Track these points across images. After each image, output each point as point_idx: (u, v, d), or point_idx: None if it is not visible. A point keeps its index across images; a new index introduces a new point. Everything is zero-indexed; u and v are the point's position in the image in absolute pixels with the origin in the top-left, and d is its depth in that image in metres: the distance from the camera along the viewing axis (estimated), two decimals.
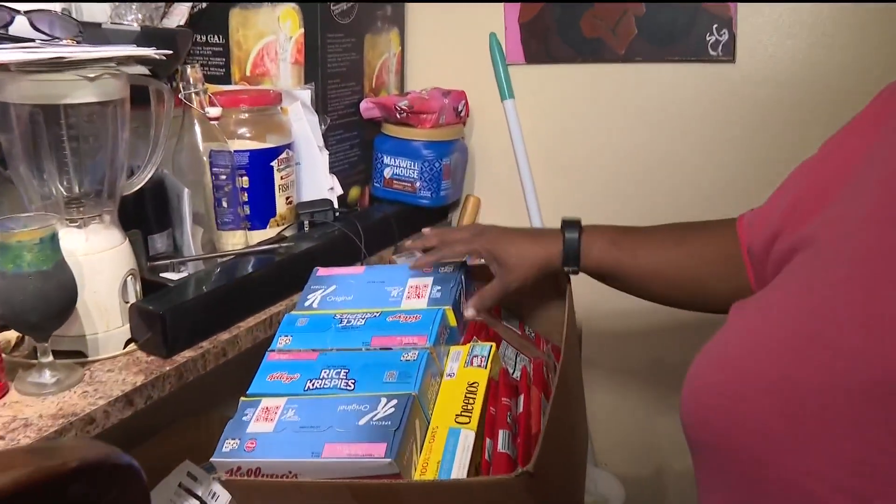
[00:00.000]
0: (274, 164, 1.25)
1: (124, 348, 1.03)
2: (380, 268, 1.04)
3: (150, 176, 1.06)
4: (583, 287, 1.00)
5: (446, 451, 0.78)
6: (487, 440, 0.81)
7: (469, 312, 0.98)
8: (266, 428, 0.82)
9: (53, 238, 0.90)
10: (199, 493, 1.12)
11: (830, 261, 0.62)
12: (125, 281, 1.02)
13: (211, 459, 0.83)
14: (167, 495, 1.12)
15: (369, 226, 1.36)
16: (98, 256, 0.99)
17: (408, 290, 0.96)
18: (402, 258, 1.40)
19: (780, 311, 0.64)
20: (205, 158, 1.19)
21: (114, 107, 0.96)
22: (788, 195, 0.76)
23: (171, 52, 1.00)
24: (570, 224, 0.97)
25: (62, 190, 0.99)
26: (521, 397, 0.86)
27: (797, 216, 0.71)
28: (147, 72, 1.03)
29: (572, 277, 0.98)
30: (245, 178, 1.24)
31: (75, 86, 0.91)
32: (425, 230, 1.13)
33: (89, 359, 1.00)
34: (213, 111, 1.17)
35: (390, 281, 0.98)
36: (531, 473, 0.69)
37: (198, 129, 1.17)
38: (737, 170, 1.39)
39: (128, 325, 1.03)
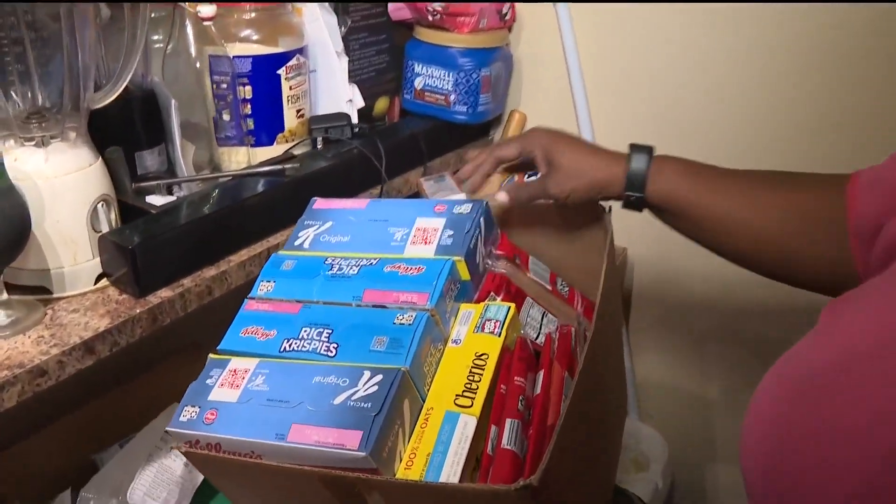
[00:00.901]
0: (281, 71, 1.09)
1: (95, 284, 0.90)
2: (386, 202, 0.88)
3: (122, 86, 0.90)
4: (637, 228, 0.82)
5: (439, 441, 0.64)
6: (493, 427, 0.66)
7: (501, 196, 0.86)
8: (230, 396, 0.69)
9: None
10: None
11: None
12: (95, 208, 0.88)
13: (167, 429, 0.70)
14: (152, 440, 1.01)
15: (394, 144, 1.19)
16: (61, 180, 0.85)
17: (414, 232, 0.80)
18: (432, 182, 1.23)
19: (883, 326, 0.47)
20: (198, 65, 1.03)
21: None
22: None
23: None
24: (640, 148, 0.82)
25: (17, 100, 0.84)
26: (541, 374, 0.71)
27: None
28: None
29: (624, 223, 0.80)
30: (248, 88, 1.08)
31: None
32: (471, 152, 0.99)
33: (54, 296, 0.88)
34: (206, 9, 1.00)
35: (395, 220, 0.82)
36: (535, 487, 0.54)
37: (190, 30, 1.01)
38: (852, 122, 1.15)
39: (99, 259, 0.89)
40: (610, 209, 0.85)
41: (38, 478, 1.04)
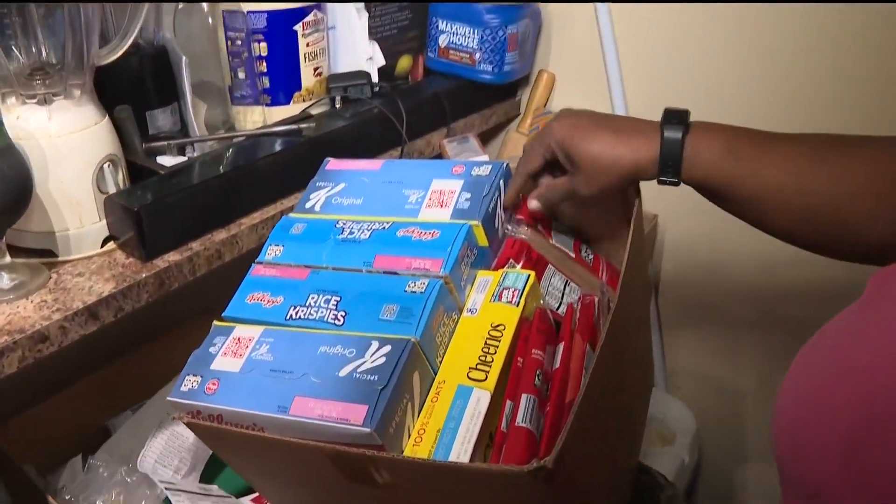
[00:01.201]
0: (298, 27, 1.04)
1: (102, 247, 0.87)
2: (402, 163, 0.83)
3: (128, 43, 0.86)
4: (670, 192, 0.75)
5: (450, 417, 0.60)
6: (508, 402, 0.62)
7: (532, 204, 0.78)
8: (232, 366, 0.66)
9: None
10: None
11: None
12: (101, 168, 0.85)
13: (168, 398, 0.67)
14: (163, 407, 0.98)
15: (415, 104, 1.15)
16: (64, 139, 0.82)
17: (429, 195, 0.75)
18: (455, 143, 1.18)
19: None
20: (211, 21, 0.99)
21: None
22: None
23: None
24: (674, 118, 0.72)
25: (18, 56, 0.81)
26: (561, 347, 0.66)
27: None
28: None
29: (656, 188, 0.74)
30: (263, 45, 1.04)
31: None
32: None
33: (60, 259, 0.85)
34: None
35: (410, 182, 0.77)
36: (550, 470, 0.50)
37: None
38: None
39: (105, 221, 0.86)
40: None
41: (52, 442, 1.02)
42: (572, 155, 0.73)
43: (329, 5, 1.10)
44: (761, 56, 1.15)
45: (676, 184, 0.72)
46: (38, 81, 0.81)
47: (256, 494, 0.96)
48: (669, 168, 0.71)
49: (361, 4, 1.13)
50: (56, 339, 0.76)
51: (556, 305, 0.75)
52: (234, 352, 0.67)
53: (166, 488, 0.92)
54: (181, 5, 0.99)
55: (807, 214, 0.66)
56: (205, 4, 0.98)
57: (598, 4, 1.23)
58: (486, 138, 1.41)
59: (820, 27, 1.09)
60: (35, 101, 0.81)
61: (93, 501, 0.91)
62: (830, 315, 0.56)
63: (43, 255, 0.85)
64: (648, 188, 0.76)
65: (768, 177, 0.67)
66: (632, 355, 0.73)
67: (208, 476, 0.98)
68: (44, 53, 0.82)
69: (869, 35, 1.06)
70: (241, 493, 0.95)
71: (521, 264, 0.74)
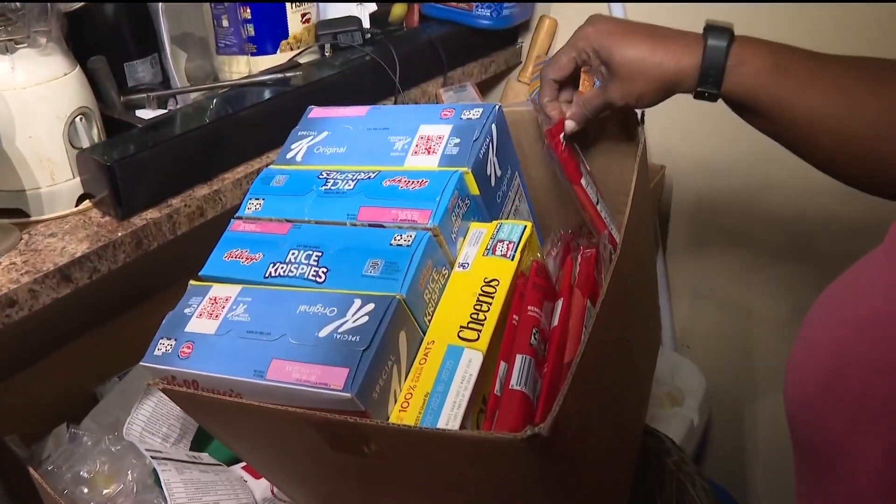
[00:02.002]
0: None
1: (77, 206, 0.82)
2: (389, 109, 0.78)
3: None
4: (677, 145, 0.70)
5: (439, 381, 0.55)
6: (502, 364, 0.57)
7: (569, 126, 0.74)
8: (208, 328, 0.61)
9: None
10: None
11: None
12: (73, 121, 0.80)
13: (140, 363, 0.63)
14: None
15: (409, 51, 1.09)
16: (31, 91, 0.77)
17: (416, 141, 0.70)
18: (452, 93, 1.13)
19: None
20: None
21: None
22: None
23: None
24: (717, 32, 0.67)
25: None
26: (559, 303, 0.62)
27: None
28: None
29: (663, 140, 0.68)
30: None
31: None
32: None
33: (32, 219, 0.80)
34: None
35: (396, 128, 0.72)
36: (545, 438, 0.45)
37: None
38: None
39: (79, 178, 0.82)
40: (643, 118, 0.74)
41: (37, 409, 0.99)
42: (610, 55, 0.69)
43: None
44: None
45: (715, 98, 0.68)
46: None
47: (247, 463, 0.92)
48: (710, 78, 0.66)
49: None
50: (26, 304, 0.72)
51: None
52: (209, 313, 0.62)
53: (153, 457, 0.88)
54: None
55: (853, 143, 0.61)
56: None
57: None
58: (485, 88, 1.35)
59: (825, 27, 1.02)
60: None
61: (77, 471, 0.87)
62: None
63: (13, 216, 0.80)
64: (656, 143, 0.71)
65: (817, 97, 0.62)
66: (636, 312, 0.68)
67: (198, 444, 0.94)
68: None
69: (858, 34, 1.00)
70: (232, 462, 0.91)
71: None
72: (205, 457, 0.92)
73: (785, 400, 0.51)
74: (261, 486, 0.90)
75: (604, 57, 0.69)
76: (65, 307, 0.75)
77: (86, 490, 0.84)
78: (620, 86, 0.69)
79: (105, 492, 0.87)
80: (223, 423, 0.66)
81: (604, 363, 0.56)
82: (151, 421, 0.91)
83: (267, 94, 0.94)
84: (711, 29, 0.67)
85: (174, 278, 1.07)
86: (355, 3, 1.07)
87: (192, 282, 0.67)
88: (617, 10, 1.18)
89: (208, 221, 0.85)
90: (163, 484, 0.81)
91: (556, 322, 0.60)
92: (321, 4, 1.07)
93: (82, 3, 0.81)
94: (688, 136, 1.15)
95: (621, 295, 0.58)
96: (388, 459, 0.56)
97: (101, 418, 0.94)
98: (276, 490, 0.89)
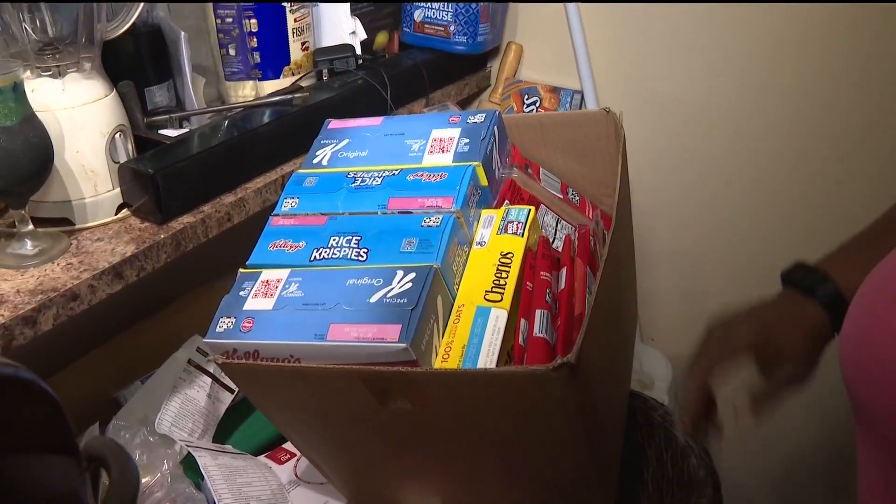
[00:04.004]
0: (286, 3, 1.09)
1: (116, 214, 0.91)
2: (400, 118, 0.89)
3: (134, 17, 0.91)
4: (637, 141, 0.82)
5: (473, 334, 0.66)
6: (522, 321, 0.68)
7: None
8: (265, 305, 0.71)
9: (17, 88, 0.77)
10: (210, 370, 1.03)
11: None
12: (113, 138, 0.89)
13: (204, 340, 0.72)
14: (175, 372, 1.03)
15: (397, 75, 1.20)
16: (80, 110, 0.86)
17: (431, 143, 0.81)
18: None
19: None
20: None
21: None
22: None
23: None
24: (810, 276, 0.71)
25: (30, 32, 0.85)
26: (564, 271, 0.73)
27: None
28: None
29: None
30: (253, 21, 1.08)
31: None
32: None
33: (77, 227, 0.89)
34: None
35: (411, 133, 0.83)
36: (572, 365, 0.56)
37: None
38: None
39: (119, 189, 0.91)
40: (621, 114, 0.86)
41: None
42: (782, 348, 0.70)
43: None
44: (731, 28, 1.22)
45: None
46: (48, 55, 0.85)
47: (270, 452, 1.01)
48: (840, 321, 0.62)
49: None
50: (86, 298, 0.80)
51: (552, 241, 0.81)
52: (264, 293, 0.72)
53: (186, 445, 0.96)
54: None
55: None
56: None
57: None
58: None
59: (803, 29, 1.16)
60: (49, 73, 0.85)
61: None
62: None
63: (58, 225, 0.88)
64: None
65: None
66: (625, 280, 0.80)
67: (220, 438, 1.03)
68: (51, 29, 0.85)
69: (852, 34, 1.14)
70: (253, 454, 1.00)
71: (515, 204, 0.81)
72: (229, 448, 1.01)
73: (841, 366, 0.55)
74: (285, 471, 0.98)
75: (774, 348, 0.70)
76: (87, 315, 0.83)
77: None
78: (799, 363, 0.70)
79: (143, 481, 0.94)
80: (274, 391, 0.75)
81: (608, 313, 0.67)
82: (178, 417, 1.00)
83: (278, 113, 1.04)
84: (810, 280, 0.71)
85: (186, 290, 1.16)
86: (348, 34, 1.18)
87: (241, 270, 0.76)
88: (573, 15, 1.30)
89: (234, 226, 0.95)
90: (201, 467, 0.88)
91: (563, 286, 0.72)
92: (317, 33, 1.18)
93: (124, 31, 0.90)
94: (651, 136, 1.28)
95: (617, 264, 0.70)
96: (430, 409, 0.66)
97: (129, 418, 1.01)
98: (299, 472, 0.97)
